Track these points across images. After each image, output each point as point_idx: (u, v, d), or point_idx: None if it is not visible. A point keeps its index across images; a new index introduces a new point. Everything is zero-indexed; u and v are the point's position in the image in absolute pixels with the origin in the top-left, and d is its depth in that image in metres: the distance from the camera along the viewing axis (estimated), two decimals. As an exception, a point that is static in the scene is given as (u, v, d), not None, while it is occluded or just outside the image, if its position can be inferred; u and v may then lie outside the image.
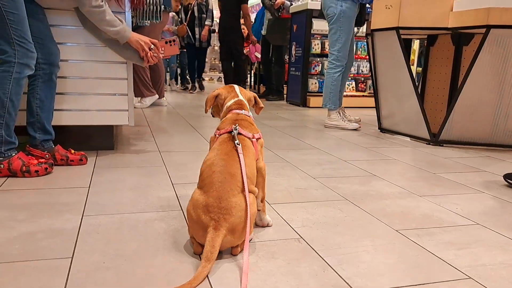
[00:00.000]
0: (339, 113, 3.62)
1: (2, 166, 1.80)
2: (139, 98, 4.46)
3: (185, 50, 7.32)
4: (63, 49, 2.10)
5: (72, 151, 2.09)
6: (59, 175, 1.88)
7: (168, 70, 7.52)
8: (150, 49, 2.10)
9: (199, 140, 2.81)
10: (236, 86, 1.44)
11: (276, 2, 5.56)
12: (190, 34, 6.59)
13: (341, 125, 3.56)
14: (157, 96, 4.58)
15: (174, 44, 2.16)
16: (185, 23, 6.55)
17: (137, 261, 1.11)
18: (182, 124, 3.48)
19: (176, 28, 6.66)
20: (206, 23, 6.58)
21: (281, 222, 1.44)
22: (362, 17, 3.55)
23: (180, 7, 6.57)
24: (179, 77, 8.28)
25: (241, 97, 1.40)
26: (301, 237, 1.32)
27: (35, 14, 1.90)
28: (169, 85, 7.77)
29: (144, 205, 1.54)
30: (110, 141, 2.42)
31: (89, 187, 1.73)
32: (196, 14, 6.52)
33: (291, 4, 5.54)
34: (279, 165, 2.23)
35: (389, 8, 2.98)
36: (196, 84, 7.29)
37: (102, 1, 1.93)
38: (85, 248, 1.17)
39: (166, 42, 2.14)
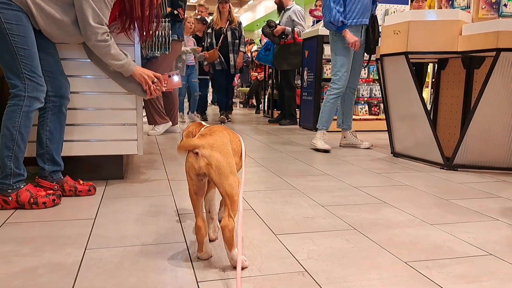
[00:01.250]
0: (352, 134, 3.77)
1: (10, 198, 1.82)
2: (153, 126, 4.52)
3: (207, 77, 6.97)
4: (73, 81, 2.15)
5: (81, 181, 2.11)
6: (66, 206, 1.90)
7: (187, 100, 6.76)
8: (153, 82, 2.13)
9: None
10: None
11: (276, 29, 5.65)
12: (223, 59, 6.09)
13: (324, 148, 3.60)
14: (170, 123, 4.63)
15: (178, 76, 2.20)
16: (217, 48, 6.04)
17: (135, 297, 1.09)
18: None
19: (202, 53, 6.13)
20: (240, 49, 6.16)
21: (286, 254, 1.40)
22: (371, 44, 3.60)
23: (210, 31, 6.15)
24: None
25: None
26: (306, 270, 1.28)
27: (46, 48, 1.96)
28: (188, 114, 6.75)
29: (147, 237, 1.53)
30: (119, 170, 2.44)
31: (95, 218, 1.73)
32: (229, 39, 6.05)
33: (293, 30, 5.61)
34: (287, 193, 2.20)
35: (397, 33, 2.98)
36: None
37: (107, 36, 1.96)
38: (84, 284, 1.16)
39: (169, 76, 2.18)
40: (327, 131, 3.71)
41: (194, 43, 6.25)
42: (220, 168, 1.21)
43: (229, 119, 6.50)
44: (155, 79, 2.12)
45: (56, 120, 2.03)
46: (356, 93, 3.89)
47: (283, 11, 5.89)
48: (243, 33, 6.21)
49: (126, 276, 1.21)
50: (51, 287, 1.13)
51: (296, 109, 6.14)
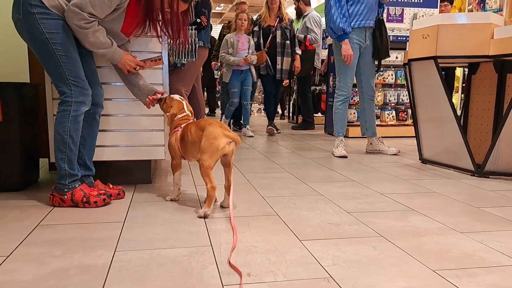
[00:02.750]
0: (379, 140, 3.75)
1: (66, 197, 1.94)
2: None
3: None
4: (105, 88, 2.21)
5: (111, 185, 2.17)
6: (97, 209, 1.95)
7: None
8: (134, 68, 2.09)
9: (235, 174, 2.82)
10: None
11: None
12: (269, 63, 5.26)
13: (341, 154, 3.60)
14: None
15: (159, 60, 2.19)
16: (265, 49, 5.20)
17: (162, 299, 1.11)
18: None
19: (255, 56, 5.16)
20: (296, 51, 5.37)
21: (311, 260, 1.40)
22: (378, 49, 3.60)
23: (257, 29, 5.33)
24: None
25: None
26: (331, 276, 1.28)
27: (84, 57, 2.00)
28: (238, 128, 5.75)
29: (174, 240, 1.56)
30: (147, 175, 2.49)
31: (124, 222, 1.77)
32: (278, 39, 5.24)
33: (305, 37, 5.60)
34: (312, 199, 2.19)
35: (426, 37, 2.93)
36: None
37: (87, 23, 1.84)
38: (113, 285, 1.19)
39: (151, 61, 2.17)
40: (344, 137, 3.76)
41: (248, 40, 5.14)
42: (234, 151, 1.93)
43: (279, 131, 5.60)
44: (137, 66, 2.08)
45: (89, 127, 2.09)
46: (375, 99, 3.82)
47: (302, 17, 5.90)
48: (295, 32, 5.43)
49: (154, 278, 1.24)
50: (82, 288, 1.17)
51: (315, 115, 6.22)
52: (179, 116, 2.11)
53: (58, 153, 1.93)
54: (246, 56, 4.96)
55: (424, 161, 3.37)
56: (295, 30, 5.38)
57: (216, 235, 1.62)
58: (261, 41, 5.25)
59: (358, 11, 3.49)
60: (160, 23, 2.06)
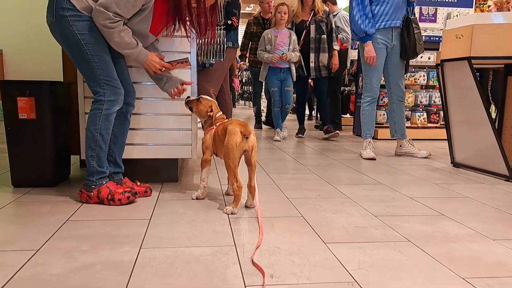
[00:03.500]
0: (409, 142, 3.68)
1: (92, 193, 1.98)
2: (207, 131, 4.61)
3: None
4: (137, 88, 2.24)
5: (138, 183, 2.20)
6: (125, 207, 1.98)
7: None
8: (161, 70, 2.09)
9: (261, 174, 2.82)
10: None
11: None
12: (302, 63, 4.78)
13: (365, 155, 3.57)
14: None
15: (186, 62, 2.19)
16: (299, 47, 4.75)
17: (185, 297, 1.11)
18: (246, 156, 3.52)
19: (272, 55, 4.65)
20: (334, 47, 4.78)
21: (335, 263, 1.38)
22: (406, 49, 3.48)
23: (289, 26, 4.81)
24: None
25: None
26: (356, 280, 1.25)
27: (115, 57, 2.03)
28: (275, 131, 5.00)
29: (198, 239, 1.57)
30: (174, 173, 2.52)
31: (150, 219, 1.80)
32: (312, 34, 4.72)
33: (336, 36, 5.49)
34: (339, 201, 2.16)
35: (460, 37, 2.84)
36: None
37: (112, 23, 1.85)
38: (137, 282, 1.21)
39: (178, 62, 2.17)
40: (372, 139, 3.69)
41: (288, 35, 4.58)
42: (255, 147, 1.95)
43: (303, 135, 5.18)
44: (163, 67, 2.09)
45: (121, 125, 2.13)
46: (405, 101, 3.72)
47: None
48: (333, 25, 4.81)
49: (178, 276, 1.25)
50: (107, 284, 1.19)
51: (343, 116, 6.16)
52: (218, 115, 2.18)
53: (89, 150, 1.97)
54: (283, 54, 4.50)
55: (455, 164, 3.27)
56: (333, 22, 4.80)
57: (240, 235, 1.62)
58: (294, 37, 4.74)
59: (383, 11, 3.42)
60: (188, 20, 2.04)
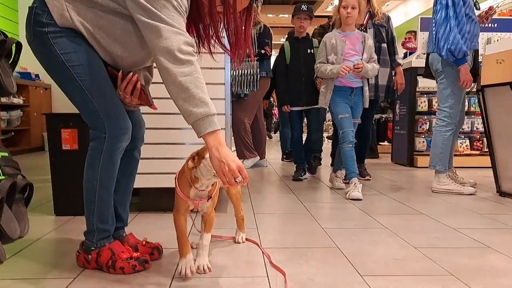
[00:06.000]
0: (448, 176, 3.32)
1: (90, 257, 1.53)
2: (242, 160, 4.64)
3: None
4: (148, 118, 1.95)
5: (144, 242, 1.70)
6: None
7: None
8: (235, 180, 1.31)
9: (293, 202, 2.79)
10: None
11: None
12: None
13: (454, 190, 3.20)
14: (258, 157, 4.72)
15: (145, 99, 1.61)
16: None
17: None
18: (280, 185, 3.51)
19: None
20: (397, 59, 3.68)
21: (372, 297, 1.32)
22: (475, 71, 3.25)
23: None
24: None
25: None
26: (394, 317, 1.19)
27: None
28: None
29: (231, 269, 1.55)
30: (209, 202, 2.52)
31: (184, 248, 1.79)
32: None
33: None
34: (377, 231, 2.09)
35: (500, 62, 2.75)
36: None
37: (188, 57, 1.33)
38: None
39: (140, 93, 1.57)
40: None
41: (362, 39, 3.19)
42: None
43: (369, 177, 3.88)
44: (240, 176, 1.30)
45: (125, 166, 1.64)
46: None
47: None
48: (394, 32, 3.72)
49: (208, 307, 1.23)
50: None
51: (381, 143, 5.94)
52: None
53: (87, 202, 1.53)
54: (358, 62, 3.04)
55: (502, 194, 3.10)
56: (393, 29, 3.76)
57: (272, 267, 1.59)
58: None
59: (474, 31, 3.08)
60: (212, 34, 1.57)
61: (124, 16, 1.38)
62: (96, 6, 1.39)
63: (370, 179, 3.79)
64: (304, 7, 3.71)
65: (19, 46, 1.28)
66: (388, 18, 3.75)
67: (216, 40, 1.58)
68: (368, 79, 3.26)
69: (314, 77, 3.62)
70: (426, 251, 1.79)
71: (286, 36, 5.18)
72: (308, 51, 3.73)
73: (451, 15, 2.97)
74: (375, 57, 3.25)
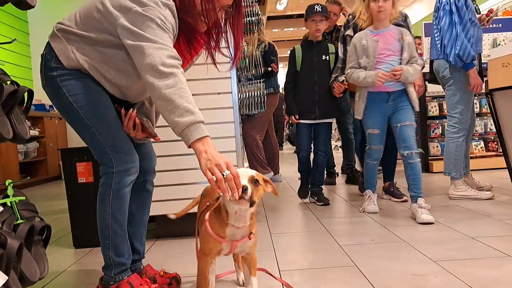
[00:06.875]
0: (465, 181, 3.28)
1: None
2: (256, 177, 4.65)
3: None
4: (161, 146, 2.01)
5: (162, 272, 1.72)
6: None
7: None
8: (223, 175, 1.22)
9: (309, 219, 2.79)
10: None
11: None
12: None
13: (471, 195, 3.15)
14: (272, 173, 4.73)
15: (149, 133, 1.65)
16: None
17: None
18: (295, 201, 3.50)
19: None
20: (419, 62, 2.88)
21: (392, 318, 1.31)
22: (481, 75, 3.22)
23: (351, 33, 3.30)
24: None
25: None
26: (415, 337, 1.18)
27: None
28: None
29: (249, 296, 1.55)
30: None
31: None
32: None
33: None
34: (393, 246, 2.07)
35: (506, 66, 2.74)
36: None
37: (168, 69, 1.32)
38: None
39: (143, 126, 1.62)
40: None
41: (399, 36, 2.79)
42: None
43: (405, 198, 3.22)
44: (227, 171, 1.22)
45: (138, 199, 1.70)
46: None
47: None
48: (412, 31, 3.20)
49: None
50: None
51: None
52: None
53: (101, 237, 1.56)
54: (395, 68, 2.66)
55: (521, 196, 3.05)
56: (412, 28, 3.24)
57: (292, 290, 1.59)
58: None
59: (479, 35, 3.04)
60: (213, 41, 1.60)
61: (123, 47, 1.42)
62: (98, 43, 1.45)
63: (407, 200, 3.07)
64: (318, 7, 3.25)
65: (30, 93, 1.33)
66: (405, 17, 3.30)
67: (217, 50, 1.63)
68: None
69: (331, 81, 3.25)
70: (445, 264, 1.77)
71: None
72: (323, 58, 3.30)
73: (456, 20, 2.94)
74: (417, 55, 2.81)
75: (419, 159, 2.71)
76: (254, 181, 1.24)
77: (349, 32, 3.26)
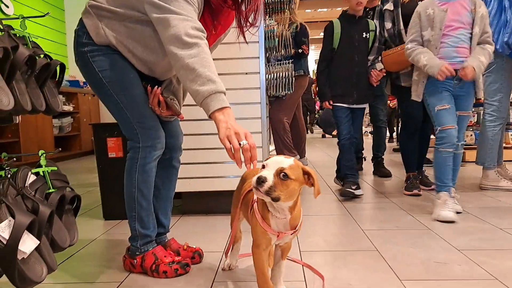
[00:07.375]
0: (497, 172, 3.17)
1: (135, 261, 1.63)
2: (282, 159, 4.65)
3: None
4: (188, 124, 2.11)
5: (186, 246, 1.78)
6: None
7: None
8: (240, 144, 1.26)
9: (333, 203, 2.78)
10: None
11: None
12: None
13: (504, 186, 3.07)
14: (298, 156, 4.72)
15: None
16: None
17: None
18: (320, 185, 3.49)
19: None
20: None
21: (410, 303, 1.31)
22: None
23: (390, 7, 3.05)
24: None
25: None
26: (433, 324, 1.18)
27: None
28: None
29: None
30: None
31: (216, 273, 1.85)
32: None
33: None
34: (417, 233, 2.05)
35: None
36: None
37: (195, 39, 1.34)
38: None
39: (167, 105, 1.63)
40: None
41: (471, 7, 2.43)
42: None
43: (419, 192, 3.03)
44: (244, 141, 1.25)
45: (164, 175, 1.75)
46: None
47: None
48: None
49: (246, 313, 1.27)
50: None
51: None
52: None
53: (128, 210, 1.63)
54: (465, 65, 2.33)
55: (556, 189, 2.93)
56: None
57: (310, 271, 1.60)
58: (401, 27, 2.97)
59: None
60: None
61: (150, 24, 1.44)
62: (126, 19, 1.48)
63: (420, 194, 2.98)
64: None
65: (62, 67, 1.38)
66: None
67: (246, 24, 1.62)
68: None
69: (369, 66, 2.99)
70: (469, 253, 1.74)
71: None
72: (364, 35, 2.98)
73: (506, 5, 2.82)
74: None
75: (463, 151, 2.54)
76: (282, 175, 1.13)
77: (388, 6, 3.03)
